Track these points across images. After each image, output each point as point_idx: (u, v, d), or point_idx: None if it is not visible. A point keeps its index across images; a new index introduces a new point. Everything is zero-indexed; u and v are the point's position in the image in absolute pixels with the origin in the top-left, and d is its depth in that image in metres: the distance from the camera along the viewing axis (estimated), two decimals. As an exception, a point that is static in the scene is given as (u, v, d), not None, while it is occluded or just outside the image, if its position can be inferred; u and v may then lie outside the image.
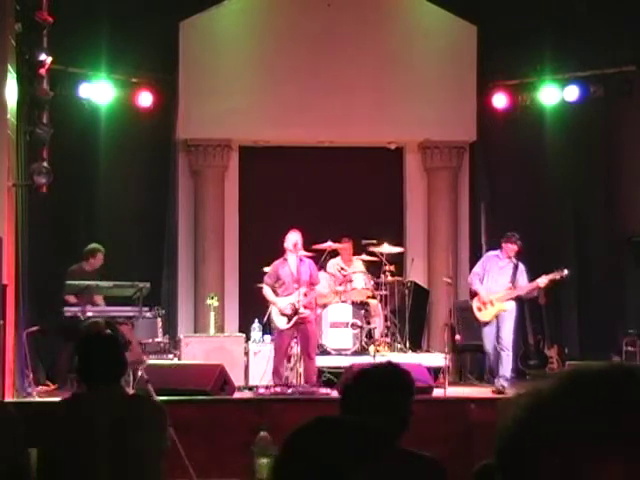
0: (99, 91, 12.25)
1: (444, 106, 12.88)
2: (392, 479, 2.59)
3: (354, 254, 12.11)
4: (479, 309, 10.51)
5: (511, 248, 10.53)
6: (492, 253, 10.80)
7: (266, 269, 10.62)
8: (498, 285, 10.46)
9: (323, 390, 9.90)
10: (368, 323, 11.63)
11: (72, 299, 10.79)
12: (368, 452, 1.87)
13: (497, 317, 10.41)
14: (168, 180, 13.22)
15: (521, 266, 10.54)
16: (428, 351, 12.28)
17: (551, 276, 10.42)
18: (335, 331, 11.30)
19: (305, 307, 10.15)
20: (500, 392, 10.12)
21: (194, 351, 10.85)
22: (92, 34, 11.74)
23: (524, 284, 10.43)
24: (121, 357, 4.22)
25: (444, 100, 12.88)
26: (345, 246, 12.02)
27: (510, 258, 10.54)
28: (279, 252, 10.44)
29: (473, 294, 10.80)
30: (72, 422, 4.01)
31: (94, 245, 11.52)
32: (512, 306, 10.48)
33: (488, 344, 10.43)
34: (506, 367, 10.30)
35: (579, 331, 12.79)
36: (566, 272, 10.42)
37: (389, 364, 3.25)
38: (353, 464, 1.84)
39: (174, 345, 11.16)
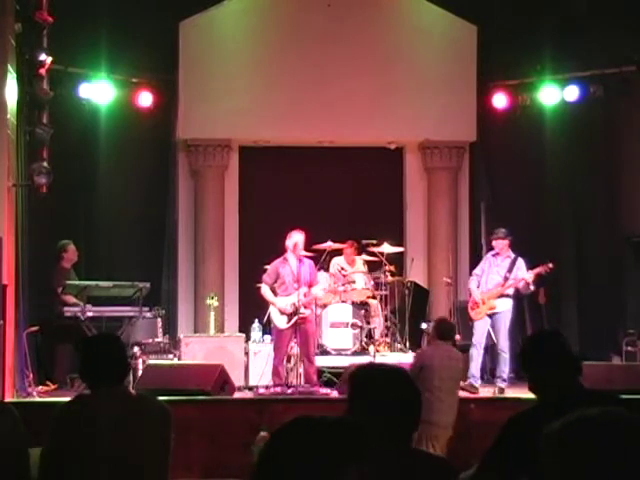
0: (99, 91, 12.25)
1: (444, 106, 12.88)
2: (397, 478, 2.60)
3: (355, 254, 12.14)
4: (472, 308, 10.57)
5: (501, 244, 10.59)
6: (490, 253, 10.86)
7: (267, 267, 10.63)
8: (490, 284, 10.52)
9: (323, 390, 9.91)
10: (368, 323, 11.63)
11: (71, 299, 10.79)
12: (348, 451, 1.88)
13: (491, 316, 10.43)
14: (168, 180, 13.23)
15: (520, 261, 10.57)
16: (428, 351, 12.27)
17: (537, 270, 10.47)
18: (335, 331, 11.30)
19: (305, 307, 10.16)
20: (500, 392, 10.14)
21: (194, 351, 10.85)
22: (92, 34, 11.74)
23: (521, 277, 10.47)
24: (124, 358, 4.22)
25: (444, 100, 12.88)
26: (349, 249, 12.02)
27: (506, 254, 10.58)
28: (279, 252, 10.44)
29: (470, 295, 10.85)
30: (75, 422, 4.01)
31: (63, 241, 11.50)
32: (506, 306, 10.45)
33: (477, 338, 10.44)
34: (503, 368, 10.33)
35: (579, 331, 12.77)
36: (551, 265, 10.46)
37: (384, 364, 3.25)
38: (333, 463, 1.84)
39: (174, 345, 11.15)
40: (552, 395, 3.67)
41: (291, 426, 1.93)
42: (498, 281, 10.52)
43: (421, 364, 7.92)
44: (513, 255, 10.61)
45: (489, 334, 10.59)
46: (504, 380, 10.27)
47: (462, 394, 10.21)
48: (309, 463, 1.84)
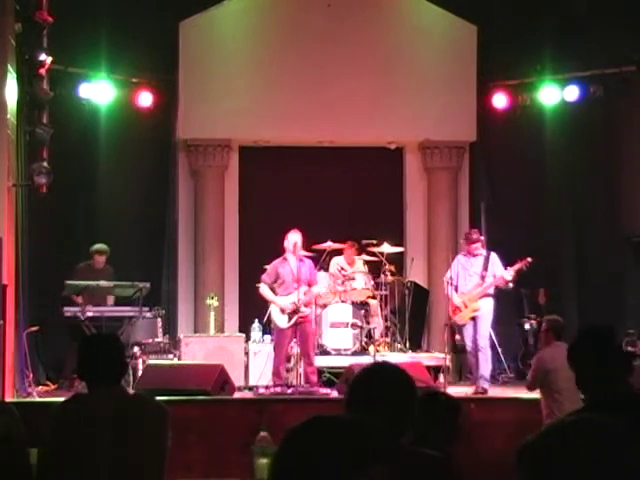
0: (99, 91, 12.25)
1: (444, 106, 12.88)
2: (398, 478, 2.60)
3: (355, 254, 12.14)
4: (454, 312, 10.47)
5: (472, 247, 10.53)
6: (459, 255, 10.78)
7: (267, 267, 10.63)
8: (469, 285, 10.46)
9: (323, 390, 9.91)
10: (368, 323, 11.63)
11: (77, 299, 10.78)
12: (364, 451, 1.87)
13: (474, 318, 10.39)
14: (168, 180, 13.23)
15: (493, 256, 10.51)
16: (428, 351, 12.28)
17: (516, 267, 10.42)
18: (335, 331, 11.30)
19: (305, 305, 10.18)
20: (482, 393, 10.07)
21: (194, 351, 10.86)
22: (92, 34, 11.75)
23: (499, 272, 10.42)
24: (122, 357, 4.23)
25: (444, 100, 12.88)
26: (349, 249, 12.02)
27: (477, 254, 10.51)
28: (279, 252, 10.44)
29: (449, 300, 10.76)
30: (73, 422, 4.02)
31: (94, 246, 11.52)
32: (488, 307, 10.39)
33: (469, 343, 10.41)
34: (484, 368, 10.25)
35: (579, 331, 12.76)
36: (529, 259, 10.42)
37: (385, 363, 3.24)
38: (349, 463, 1.84)
39: (174, 345, 11.16)
40: (599, 394, 3.52)
41: (307, 426, 1.93)
42: (477, 281, 10.44)
43: (546, 369, 7.84)
44: (485, 252, 10.56)
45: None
46: (486, 380, 10.23)
47: (461, 394, 10.25)
48: (326, 463, 1.84)
